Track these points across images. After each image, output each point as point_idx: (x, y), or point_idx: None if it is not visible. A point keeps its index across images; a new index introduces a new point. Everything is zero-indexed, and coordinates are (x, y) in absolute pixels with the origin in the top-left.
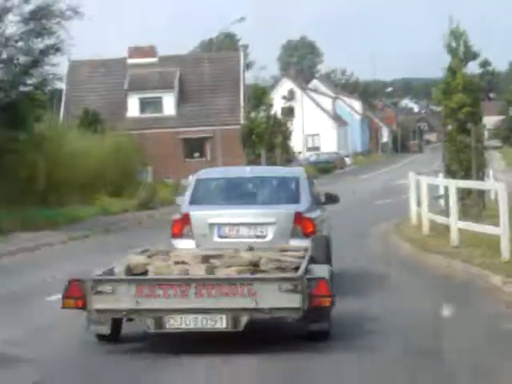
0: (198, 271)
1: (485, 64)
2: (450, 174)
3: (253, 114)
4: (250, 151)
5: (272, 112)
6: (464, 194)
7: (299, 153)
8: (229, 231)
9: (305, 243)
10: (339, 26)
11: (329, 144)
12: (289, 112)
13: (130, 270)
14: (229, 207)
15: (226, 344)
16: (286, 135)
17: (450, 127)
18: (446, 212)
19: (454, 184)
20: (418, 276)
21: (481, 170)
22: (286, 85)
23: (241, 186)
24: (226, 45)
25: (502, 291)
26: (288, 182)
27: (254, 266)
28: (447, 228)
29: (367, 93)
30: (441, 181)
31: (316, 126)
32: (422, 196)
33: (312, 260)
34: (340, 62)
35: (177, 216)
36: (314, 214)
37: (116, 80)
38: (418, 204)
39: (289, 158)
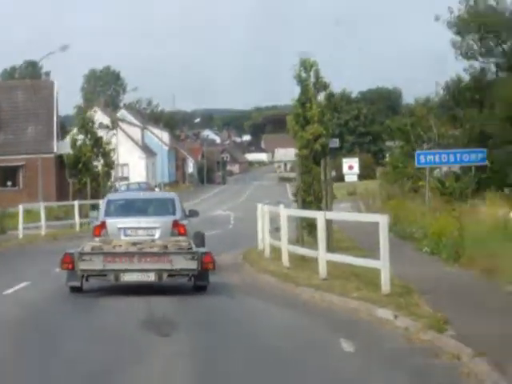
0: (134, 250)
1: (329, 96)
2: (305, 205)
3: (79, 142)
4: (75, 180)
5: (96, 141)
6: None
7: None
8: (131, 232)
9: (181, 239)
10: (143, 58)
11: (137, 174)
12: (97, 141)
13: (93, 249)
14: (130, 217)
15: (148, 291)
16: (109, 164)
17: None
18: (298, 243)
19: (324, 216)
20: (297, 311)
21: (331, 201)
22: (97, 114)
23: (137, 204)
24: (29, 73)
25: (395, 325)
26: (167, 201)
27: (165, 247)
28: (306, 259)
29: (171, 123)
30: (309, 213)
31: (125, 155)
32: (282, 227)
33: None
34: (143, 92)
35: (97, 223)
36: (184, 222)
37: None
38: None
39: (111, 186)
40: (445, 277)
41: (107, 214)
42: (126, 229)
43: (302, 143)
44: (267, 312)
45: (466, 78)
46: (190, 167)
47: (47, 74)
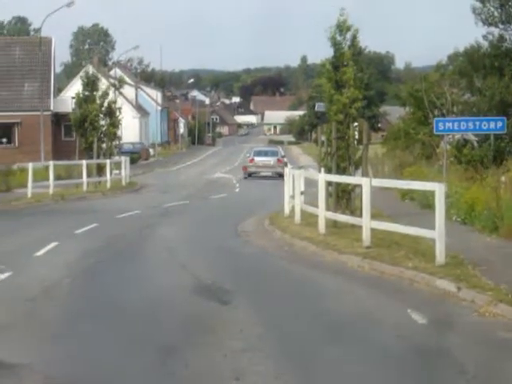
0: (262, 164)
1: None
2: (339, 170)
3: (86, 101)
4: (82, 139)
5: (106, 100)
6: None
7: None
8: (262, 162)
9: (280, 164)
10: (131, 14)
11: (131, 134)
12: (104, 99)
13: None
14: (262, 157)
15: (267, 180)
16: (116, 124)
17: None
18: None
19: (369, 182)
20: (350, 280)
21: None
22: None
23: (264, 151)
24: (18, 29)
25: (459, 297)
26: (276, 150)
27: (273, 165)
28: (338, 226)
29: (161, 83)
30: (354, 179)
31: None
32: (319, 193)
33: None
34: (132, 50)
35: (249, 158)
36: (283, 159)
37: None
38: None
39: (117, 146)
40: (489, 247)
41: (254, 155)
42: (261, 161)
43: (337, 107)
44: (320, 280)
45: (485, 44)
46: (181, 128)
47: (36, 30)
